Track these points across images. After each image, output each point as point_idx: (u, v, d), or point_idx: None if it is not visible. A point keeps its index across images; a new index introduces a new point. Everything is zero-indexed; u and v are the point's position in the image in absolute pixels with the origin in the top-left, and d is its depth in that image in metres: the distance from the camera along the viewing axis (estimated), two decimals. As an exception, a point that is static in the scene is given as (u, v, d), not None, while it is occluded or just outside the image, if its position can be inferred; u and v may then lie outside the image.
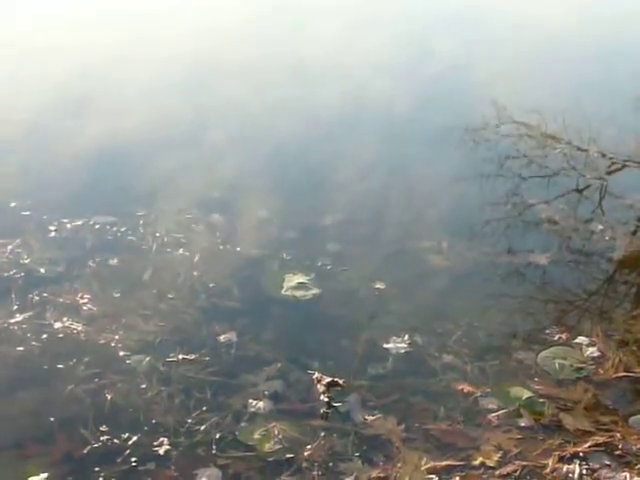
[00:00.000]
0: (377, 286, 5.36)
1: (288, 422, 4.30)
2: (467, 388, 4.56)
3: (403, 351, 4.83)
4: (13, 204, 6.15)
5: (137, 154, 7.03)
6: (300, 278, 5.41)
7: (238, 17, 10.81)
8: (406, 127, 7.76)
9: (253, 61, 9.27)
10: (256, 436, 4.21)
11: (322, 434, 4.23)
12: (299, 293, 5.30)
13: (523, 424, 4.35)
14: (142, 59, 9.20)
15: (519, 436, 4.26)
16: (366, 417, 4.34)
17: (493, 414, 4.40)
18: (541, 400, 4.49)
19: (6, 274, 5.36)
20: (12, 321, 4.93)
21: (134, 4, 11.55)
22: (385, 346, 4.86)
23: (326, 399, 4.43)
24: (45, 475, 3.94)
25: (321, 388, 4.47)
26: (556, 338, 4.96)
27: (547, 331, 5.03)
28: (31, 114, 7.58)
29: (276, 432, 4.23)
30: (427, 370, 4.71)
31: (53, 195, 6.32)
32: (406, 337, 4.92)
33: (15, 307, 5.04)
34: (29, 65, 8.93)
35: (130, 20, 10.66)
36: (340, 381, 4.49)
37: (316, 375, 4.55)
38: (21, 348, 4.74)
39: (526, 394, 4.53)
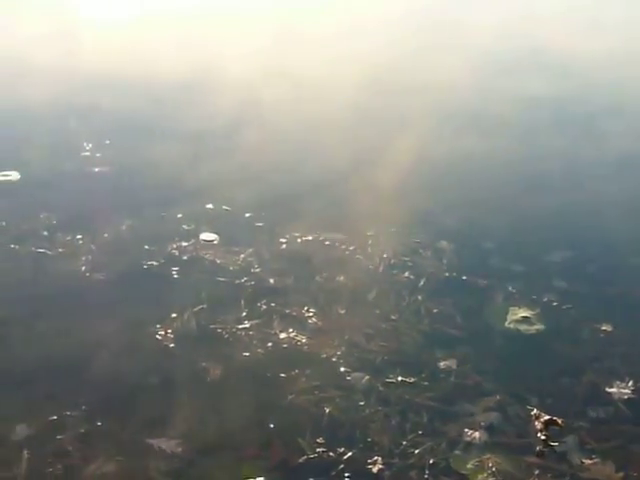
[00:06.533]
0: (603, 327, 5.22)
1: (502, 455, 4.26)
2: (693, 441, 4.38)
3: (626, 397, 4.68)
4: (248, 214, 6.39)
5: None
6: (524, 312, 5.34)
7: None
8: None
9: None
10: (469, 466, 4.20)
11: (536, 472, 4.16)
12: (523, 327, 5.24)
13: None
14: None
15: None
16: (584, 460, 4.24)
17: None
18: None
19: (237, 281, 5.59)
20: (240, 327, 5.13)
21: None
22: (608, 390, 4.73)
23: (543, 437, 4.35)
24: (261, 479, 4.07)
25: (539, 425, 4.41)
26: None
27: None
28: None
29: (490, 464, 4.20)
30: (651, 419, 4.56)
31: (286, 209, 6.54)
32: (630, 382, 4.77)
33: (244, 314, 5.25)
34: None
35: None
36: (559, 420, 4.42)
37: (535, 411, 4.48)
38: (247, 353, 4.93)
39: None
